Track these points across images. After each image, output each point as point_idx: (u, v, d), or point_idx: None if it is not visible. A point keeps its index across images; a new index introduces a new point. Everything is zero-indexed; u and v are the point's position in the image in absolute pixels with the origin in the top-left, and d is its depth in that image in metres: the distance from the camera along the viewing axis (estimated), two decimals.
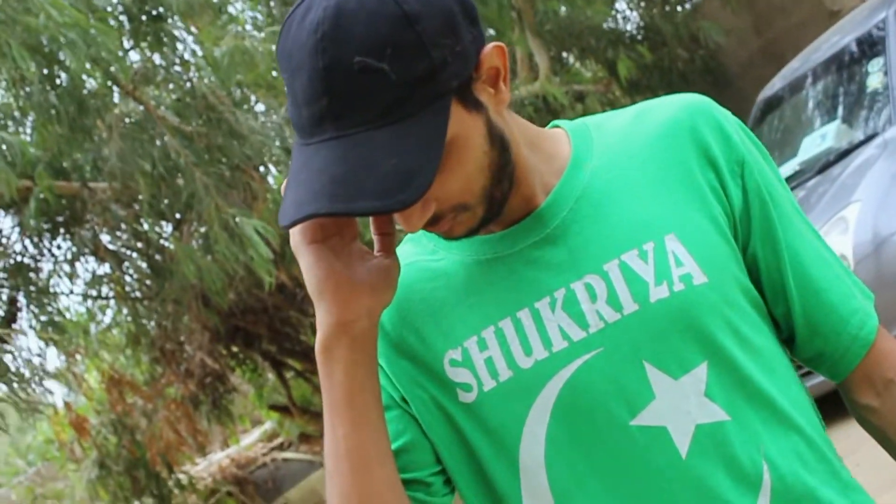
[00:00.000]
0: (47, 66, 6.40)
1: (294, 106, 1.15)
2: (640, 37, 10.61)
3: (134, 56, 7.40)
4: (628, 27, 10.80)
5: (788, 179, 6.16)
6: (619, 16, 11.14)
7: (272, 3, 9.07)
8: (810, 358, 1.35)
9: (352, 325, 1.19)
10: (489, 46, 1.18)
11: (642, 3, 10.91)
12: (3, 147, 6.36)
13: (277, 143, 6.89)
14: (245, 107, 6.75)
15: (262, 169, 7.72)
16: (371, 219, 1.23)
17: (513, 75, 10.17)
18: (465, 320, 1.27)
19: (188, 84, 6.93)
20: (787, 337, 1.34)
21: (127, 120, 7.07)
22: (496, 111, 1.20)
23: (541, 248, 1.27)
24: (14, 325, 8.27)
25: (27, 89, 6.65)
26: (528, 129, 1.29)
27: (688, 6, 11.00)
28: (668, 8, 10.50)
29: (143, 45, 6.88)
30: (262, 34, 7.06)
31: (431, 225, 1.20)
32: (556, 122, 1.38)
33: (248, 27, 9.55)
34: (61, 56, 6.49)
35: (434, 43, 1.12)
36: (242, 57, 6.36)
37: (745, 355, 1.26)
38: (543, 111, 9.47)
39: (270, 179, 7.30)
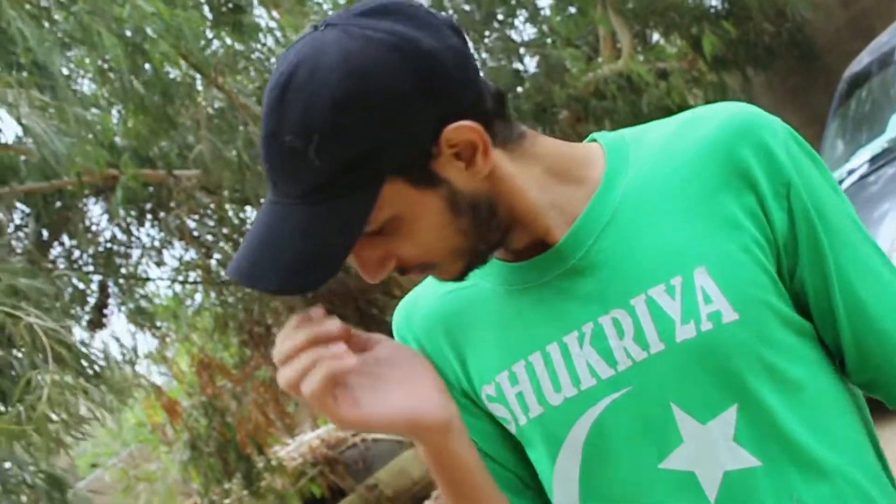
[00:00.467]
0: (133, 55, 6.50)
1: None
2: (724, 12, 10.39)
3: (217, 44, 7.48)
4: (712, 2, 10.58)
5: (876, 158, 6.00)
6: None
7: None
8: (864, 383, 1.26)
9: (443, 431, 1.23)
10: (456, 125, 1.13)
11: None
12: (93, 129, 6.46)
13: None
14: None
15: None
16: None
17: (595, 54, 10.12)
18: (498, 354, 1.26)
19: (268, 72, 6.99)
20: (840, 361, 1.27)
21: (210, 109, 7.15)
22: (470, 180, 1.17)
23: (570, 278, 1.23)
24: (105, 311, 8.45)
25: (113, 78, 6.75)
26: (556, 157, 1.24)
27: None
28: None
29: (224, 34, 6.94)
30: None
31: (402, 275, 1.21)
32: (594, 134, 1.32)
33: (330, 13, 9.64)
34: (146, 46, 6.60)
35: (368, 130, 1.09)
36: None
37: (778, 396, 1.19)
38: (627, 89, 9.37)
39: None
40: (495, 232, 1.20)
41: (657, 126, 1.29)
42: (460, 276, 1.22)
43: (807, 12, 10.08)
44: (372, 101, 1.09)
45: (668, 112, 10.26)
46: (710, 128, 1.22)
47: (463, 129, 1.13)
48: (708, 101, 10.84)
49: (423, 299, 1.35)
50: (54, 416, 5.23)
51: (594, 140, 1.31)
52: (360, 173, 1.10)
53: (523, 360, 1.24)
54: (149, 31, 6.24)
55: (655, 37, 11.16)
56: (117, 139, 7.73)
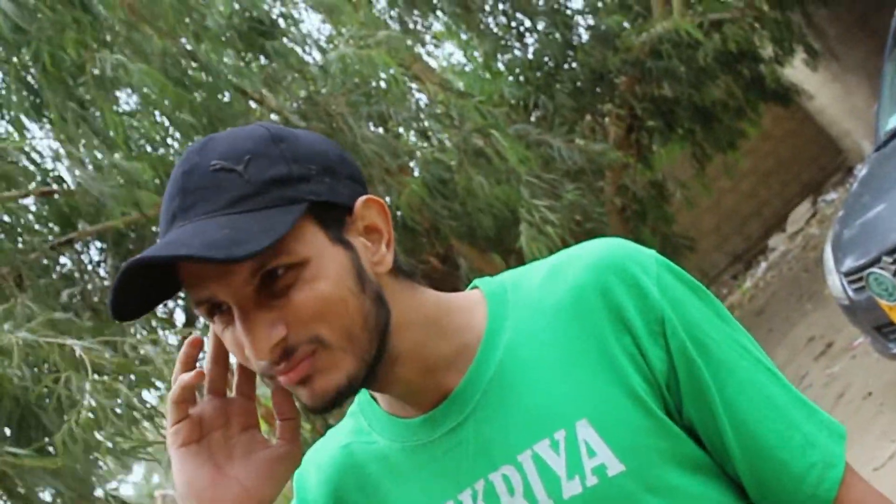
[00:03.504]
0: (179, 85, 6.62)
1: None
2: None
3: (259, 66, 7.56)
4: None
5: None
6: None
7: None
8: None
9: None
10: (369, 197, 1.17)
11: None
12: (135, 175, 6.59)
13: (388, 156, 6.88)
14: (359, 114, 6.78)
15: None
16: (273, 405, 1.22)
17: (647, 14, 9.94)
18: None
19: (307, 91, 7.05)
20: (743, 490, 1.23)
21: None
22: (372, 269, 1.17)
23: (458, 435, 1.22)
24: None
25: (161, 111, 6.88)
26: (435, 304, 1.24)
27: None
28: None
29: (259, 58, 7.02)
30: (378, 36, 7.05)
31: (286, 358, 1.12)
32: (477, 281, 1.31)
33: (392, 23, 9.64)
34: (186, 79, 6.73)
35: (295, 160, 1.13)
36: (354, 65, 6.44)
37: None
38: (682, 46, 9.20)
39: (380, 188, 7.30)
40: (381, 346, 1.17)
41: (532, 271, 1.28)
42: (347, 387, 1.15)
43: None
44: (303, 143, 1.16)
45: (729, 63, 10.06)
46: (581, 270, 1.20)
47: (374, 205, 1.18)
48: (774, 41, 10.61)
49: (324, 453, 1.34)
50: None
51: (476, 287, 1.30)
52: (284, 192, 1.11)
53: None
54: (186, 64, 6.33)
55: None
56: None
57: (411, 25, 9.79)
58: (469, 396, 1.22)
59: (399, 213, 7.11)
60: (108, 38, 6.33)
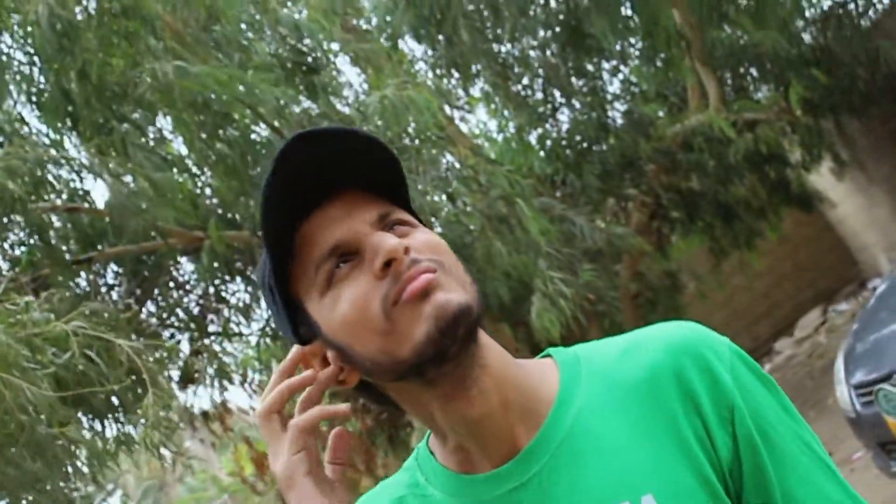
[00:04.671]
0: (213, 118, 6.68)
1: None
2: (815, 59, 10.20)
3: (299, 104, 7.62)
4: (802, 49, 10.40)
5: None
6: (793, 39, 10.76)
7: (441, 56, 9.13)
8: None
9: None
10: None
11: (816, 25, 10.52)
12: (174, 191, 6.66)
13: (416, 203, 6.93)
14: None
15: None
16: (330, 446, 1.29)
17: (683, 104, 10.03)
18: None
19: None
20: None
21: None
22: None
23: (521, 494, 1.23)
24: (196, 367, 8.62)
25: (199, 144, 6.94)
26: (512, 358, 1.27)
27: (865, 22, 10.54)
28: (844, 31, 10.08)
29: (300, 94, 7.08)
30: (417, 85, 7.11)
31: (414, 268, 1.17)
32: (549, 349, 1.34)
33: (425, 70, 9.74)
34: (225, 109, 6.79)
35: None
36: (394, 106, 6.46)
37: None
38: (714, 141, 9.27)
39: None
40: (479, 323, 1.21)
41: (606, 345, 1.31)
42: (465, 305, 1.17)
43: None
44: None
45: (757, 163, 10.13)
46: (657, 350, 1.24)
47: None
48: (804, 147, 10.69)
49: (376, 501, 1.35)
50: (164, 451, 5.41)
51: (548, 355, 1.33)
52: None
53: None
54: (225, 97, 6.39)
55: (744, 87, 11.00)
56: (208, 201, 7.94)
57: (448, 87, 9.88)
58: (538, 456, 1.22)
59: None
60: (153, 60, 6.39)
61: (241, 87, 6.29)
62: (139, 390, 5.14)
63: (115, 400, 5.25)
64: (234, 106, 6.54)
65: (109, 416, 5.47)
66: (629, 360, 1.26)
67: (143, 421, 4.87)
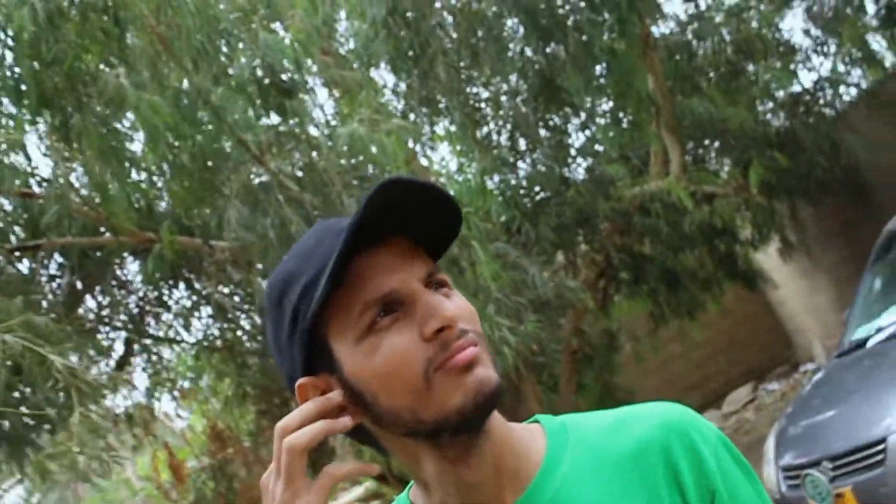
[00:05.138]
0: (181, 127, 6.64)
1: None
2: (778, 142, 10.38)
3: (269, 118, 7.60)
4: (767, 130, 10.57)
5: None
6: (759, 119, 10.94)
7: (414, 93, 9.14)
8: None
9: None
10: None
11: (784, 109, 10.71)
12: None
13: None
14: (353, 191, 6.82)
15: None
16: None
17: (645, 167, 10.13)
18: None
19: (309, 158, 7.08)
20: None
21: (254, 183, 7.24)
22: None
23: None
24: (128, 367, 8.52)
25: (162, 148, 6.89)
26: (503, 421, 1.30)
27: (830, 112, 10.75)
28: (810, 118, 10.26)
29: (271, 114, 7.06)
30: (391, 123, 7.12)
31: (464, 339, 1.20)
32: (537, 416, 1.38)
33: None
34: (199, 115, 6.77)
35: None
36: (363, 144, 6.50)
37: None
38: (672, 209, 9.36)
39: None
40: None
41: (596, 417, 1.35)
42: (498, 385, 1.20)
43: (862, 152, 10.05)
44: None
45: (709, 235, 10.25)
46: (647, 427, 1.28)
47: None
48: (755, 226, 10.84)
49: None
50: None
51: (536, 421, 1.36)
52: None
53: None
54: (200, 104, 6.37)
55: (706, 159, 11.15)
56: (164, 203, 7.87)
57: (415, 120, 9.88)
58: None
59: None
60: (131, 59, 6.35)
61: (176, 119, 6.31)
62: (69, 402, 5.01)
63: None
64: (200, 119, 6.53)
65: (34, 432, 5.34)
66: (618, 432, 1.30)
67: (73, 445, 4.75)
